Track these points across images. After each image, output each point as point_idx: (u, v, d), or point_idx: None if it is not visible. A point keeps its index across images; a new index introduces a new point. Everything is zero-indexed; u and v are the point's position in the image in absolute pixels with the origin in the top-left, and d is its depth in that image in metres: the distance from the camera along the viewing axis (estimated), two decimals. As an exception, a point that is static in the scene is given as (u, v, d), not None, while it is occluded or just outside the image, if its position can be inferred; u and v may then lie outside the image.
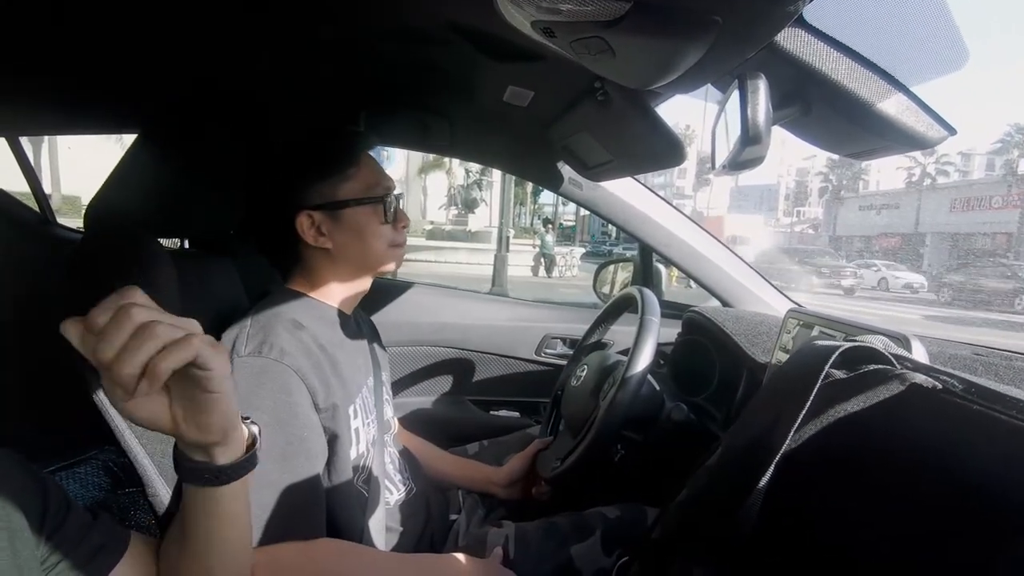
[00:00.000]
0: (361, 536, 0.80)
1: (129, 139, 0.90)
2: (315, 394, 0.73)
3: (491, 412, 1.66)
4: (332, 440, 0.77)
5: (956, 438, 0.37)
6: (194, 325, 0.44)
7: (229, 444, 0.49)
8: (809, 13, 0.55)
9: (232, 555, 0.55)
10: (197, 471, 0.49)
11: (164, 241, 0.87)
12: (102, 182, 0.86)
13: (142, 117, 0.95)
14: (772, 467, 0.39)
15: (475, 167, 17.88)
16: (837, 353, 0.42)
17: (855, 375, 0.43)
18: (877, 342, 0.47)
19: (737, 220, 33.48)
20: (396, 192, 0.88)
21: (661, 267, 1.69)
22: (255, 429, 0.54)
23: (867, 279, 18.90)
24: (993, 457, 0.35)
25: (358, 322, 0.96)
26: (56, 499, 0.47)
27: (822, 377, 0.40)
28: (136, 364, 0.38)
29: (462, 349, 1.61)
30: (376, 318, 1.16)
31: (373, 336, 1.05)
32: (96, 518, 0.51)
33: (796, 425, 0.39)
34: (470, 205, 18.99)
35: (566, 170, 1.37)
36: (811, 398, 0.39)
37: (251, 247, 0.88)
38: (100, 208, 0.84)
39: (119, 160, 0.86)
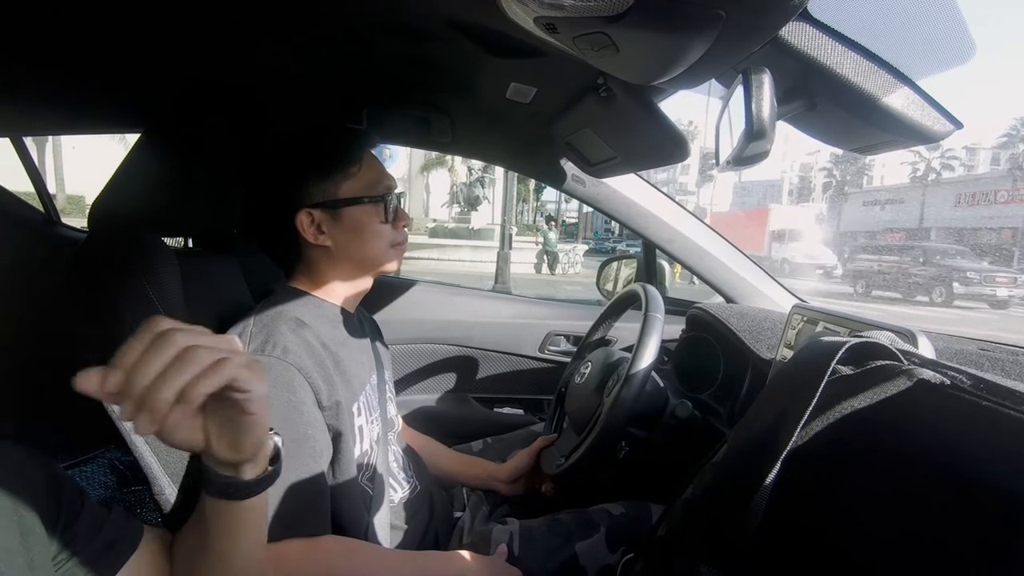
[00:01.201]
0: (365, 533, 0.81)
1: (132, 138, 0.90)
2: (318, 392, 0.74)
3: (495, 409, 1.66)
4: (336, 438, 0.77)
5: (964, 434, 0.37)
6: (232, 344, 0.43)
7: (257, 460, 0.49)
8: (814, 7, 0.54)
9: (252, 560, 0.55)
10: (224, 486, 0.49)
11: (168, 240, 0.87)
12: (101, 181, 0.86)
13: (145, 116, 0.96)
14: (778, 464, 0.39)
15: (478, 164, 17.88)
16: (844, 349, 0.41)
17: (862, 371, 0.43)
18: (883, 338, 0.46)
19: (785, 212, 28.11)
20: (398, 191, 0.87)
21: (665, 263, 1.69)
22: (278, 440, 0.54)
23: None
24: (1002, 453, 0.35)
25: (360, 320, 0.96)
26: (70, 493, 0.47)
27: (829, 373, 0.40)
28: (174, 388, 0.37)
29: (465, 347, 1.61)
30: (379, 316, 1.16)
31: (375, 334, 1.06)
32: (110, 511, 0.51)
33: (803, 421, 0.39)
34: (473, 202, 18.96)
35: (569, 167, 1.37)
36: (818, 394, 0.39)
37: (254, 245, 0.88)
38: (104, 207, 0.84)
39: (123, 159, 0.86)
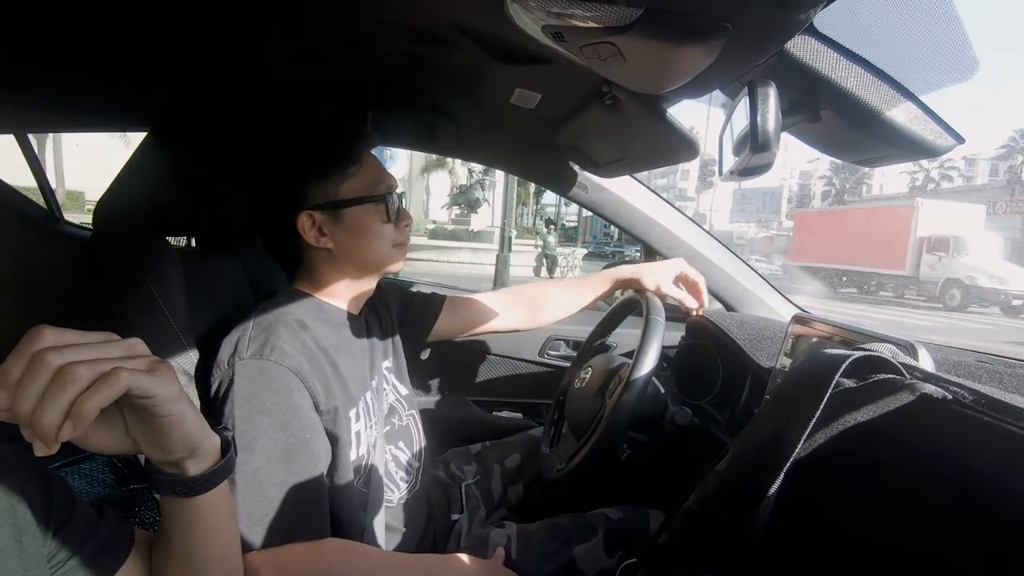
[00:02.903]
0: (362, 535, 0.81)
1: (132, 136, 0.91)
2: (316, 396, 0.74)
3: (493, 413, 1.66)
4: (332, 443, 0.77)
5: (965, 449, 0.38)
6: (133, 349, 0.42)
7: (199, 456, 0.49)
8: (819, 21, 0.55)
9: (218, 564, 0.55)
10: (168, 483, 0.49)
11: (171, 239, 0.87)
12: (101, 178, 0.86)
13: (150, 115, 0.96)
14: (782, 474, 0.40)
15: (478, 167, 17.87)
16: (847, 362, 0.42)
17: (865, 384, 0.43)
18: (885, 350, 0.47)
19: (941, 211, 16.69)
20: (399, 191, 0.87)
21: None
22: (228, 435, 0.53)
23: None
24: (1004, 469, 0.35)
25: (368, 321, 0.96)
26: (61, 494, 0.47)
27: (832, 385, 0.40)
28: (57, 412, 0.36)
29: (464, 349, 1.61)
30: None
31: (388, 325, 1.04)
32: (102, 514, 0.51)
33: (806, 433, 0.39)
34: (472, 205, 18.95)
35: (571, 172, 1.37)
36: (821, 407, 0.40)
37: (258, 247, 0.88)
38: (109, 206, 0.84)
39: (129, 158, 0.86)
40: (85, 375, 0.37)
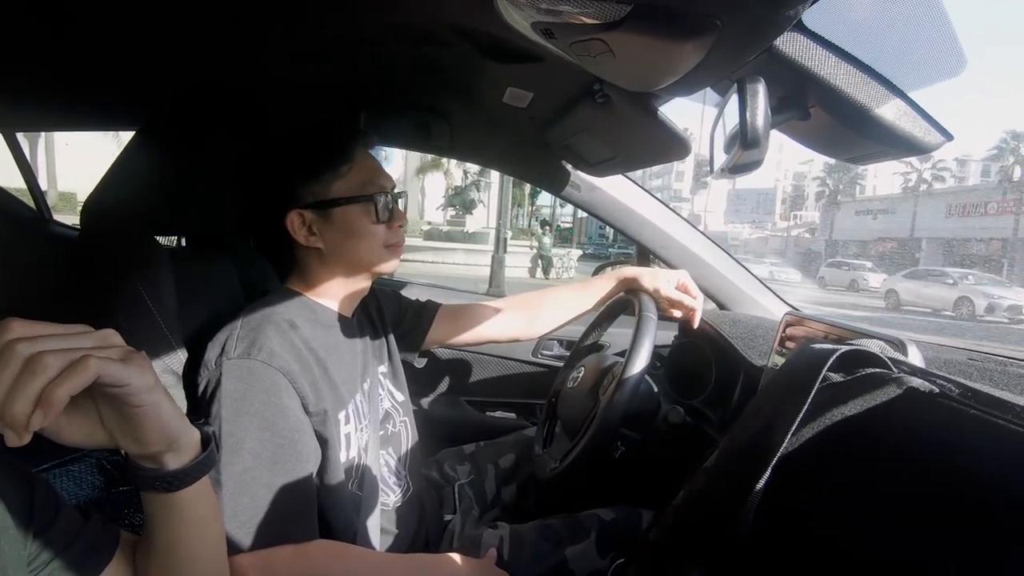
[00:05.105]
0: (355, 537, 0.80)
1: (125, 136, 0.90)
2: (305, 398, 0.73)
3: (487, 413, 1.66)
4: (322, 444, 0.76)
5: (952, 442, 0.38)
6: (108, 339, 0.42)
7: (177, 450, 0.48)
8: (808, 18, 0.55)
9: (202, 563, 0.54)
10: (147, 478, 0.48)
11: (161, 239, 0.86)
12: (94, 180, 0.85)
13: (141, 114, 0.95)
14: (770, 469, 0.40)
15: (473, 168, 17.85)
16: (835, 356, 0.42)
17: (852, 378, 0.43)
18: (874, 346, 0.47)
19: None
20: (397, 191, 0.87)
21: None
22: (208, 430, 0.53)
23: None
24: (989, 461, 0.35)
25: (360, 323, 0.95)
26: (43, 497, 0.46)
27: (819, 380, 0.40)
28: (26, 400, 0.36)
29: (458, 350, 1.61)
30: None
31: (381, 326, 1.03)
32: (87, 518, 0.50)
33: (794, 427, 0.39)
34: (468, 206, 18.91)
35: (565, 172, 1.37)
36: (808, 401, 0.40)
37: (250, 246, 0.88)
38: (97, 206, 0.83)
39: (117, 157, 0.86)
40: (54, 363, 0.38)
